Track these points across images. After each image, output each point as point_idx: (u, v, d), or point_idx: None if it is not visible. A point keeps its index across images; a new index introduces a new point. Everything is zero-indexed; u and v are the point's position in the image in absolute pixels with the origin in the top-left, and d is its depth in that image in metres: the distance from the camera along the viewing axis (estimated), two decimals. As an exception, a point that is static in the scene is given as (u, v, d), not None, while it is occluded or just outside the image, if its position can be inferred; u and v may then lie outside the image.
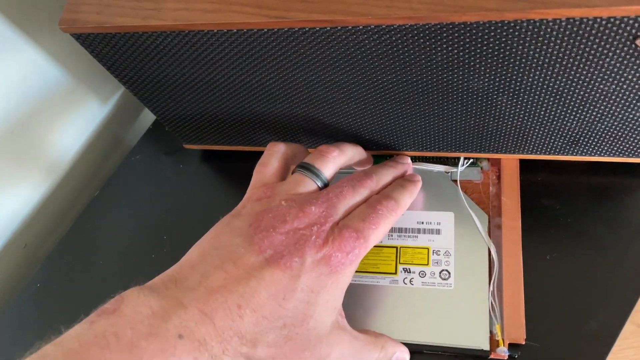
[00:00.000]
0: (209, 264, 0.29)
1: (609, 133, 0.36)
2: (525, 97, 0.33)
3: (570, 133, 0.36)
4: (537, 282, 0.38)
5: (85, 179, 0.58)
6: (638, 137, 0.35)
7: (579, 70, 0.29)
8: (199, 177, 0.51)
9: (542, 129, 0.36)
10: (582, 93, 0.32)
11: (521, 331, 0.36)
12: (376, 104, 0.37)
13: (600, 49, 0.27)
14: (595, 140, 0.37)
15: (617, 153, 0.38)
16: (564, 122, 0.35)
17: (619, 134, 0.35)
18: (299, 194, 0.32)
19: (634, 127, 0.34)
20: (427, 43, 0.29)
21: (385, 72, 0.33)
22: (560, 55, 0.28)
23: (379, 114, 0.38)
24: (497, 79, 0.31)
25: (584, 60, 0.29)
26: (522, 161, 0.42)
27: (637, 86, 0.30)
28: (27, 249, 0.55)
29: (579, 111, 0.33)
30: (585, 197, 0.40)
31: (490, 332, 0.36)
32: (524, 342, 0.35)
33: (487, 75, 0.31)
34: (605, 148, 0.37)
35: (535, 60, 0.29)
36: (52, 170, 0.54)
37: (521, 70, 0.30)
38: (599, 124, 0.35)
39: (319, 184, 0.34)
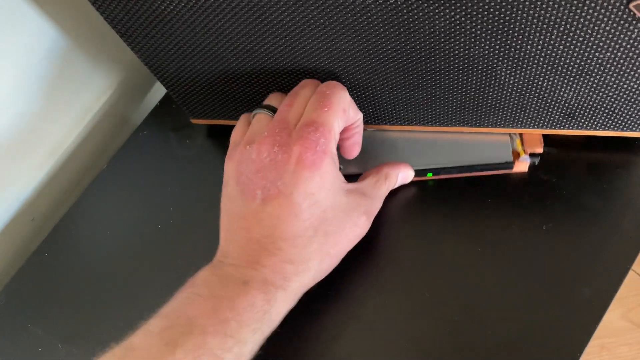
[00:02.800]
0: (233, 232, 0.35)
1: (604, 105, 0.37)
2: (524, 65, 0.34)
3: (566, 105, 0.37)
4: (533, 252, 0.39)
5: (92, 154, 0.59)
6: (632, 110, 0.37)
7: (575, 36, 0.31)
8: (206, 152, 0.52)
9: (539, 101, 0.37)
10: (577, 61, 0.33)
11: (539, 142, 0.42)
12: (380, 75, 0.38)
13: (595, 13, 0.29)
14: (591, 113, 0.38)
15: (612, 126, 0.39)
16: (561, 93, 0.36)
17: (614, 106, 0.37)
18: (255, 131, 0.36)
19: (629, 98, 0.35)
20: (432, 7, 0.31)
21: (389, 40, 0.34)
22: (557, 20, 0.30)
23: (382, 85, 0.39)
24: (498, 46, 0.33)
25: (579, 25, 0.30)
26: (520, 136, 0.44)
27: (630, 54, 0.31)
28: (34, 222, 0.56)
29: (575, 81, 0.35)
30: (582, 170, 0.42)
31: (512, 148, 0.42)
32: (542, 151, 0.42)
33: (488, 42, 0.32)
34: (601, 121, 0.39)
35: (533, 25, 0.30)
36: (60, 146, 0.55)
37: (520, 36, 0.32)
38: (595, 95, 0.36)
39: (271, 114, 0.37)
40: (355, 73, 0.38)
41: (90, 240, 0.50)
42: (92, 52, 0.55)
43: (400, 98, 0.40)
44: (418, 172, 0.43)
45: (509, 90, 0.37)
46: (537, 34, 0.31)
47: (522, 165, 0.42)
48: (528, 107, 0.38)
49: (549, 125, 0.40)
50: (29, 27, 0.47)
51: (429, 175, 0.44)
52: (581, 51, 0.32)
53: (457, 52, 0.34)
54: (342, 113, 0.35)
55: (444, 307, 0.38)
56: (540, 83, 0.35)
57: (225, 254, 0.34)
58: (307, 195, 0.33)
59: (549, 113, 0.39)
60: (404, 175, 0.42)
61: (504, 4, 0.29)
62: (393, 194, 0.43)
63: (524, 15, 0.30)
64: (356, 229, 0.36)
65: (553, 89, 0.36)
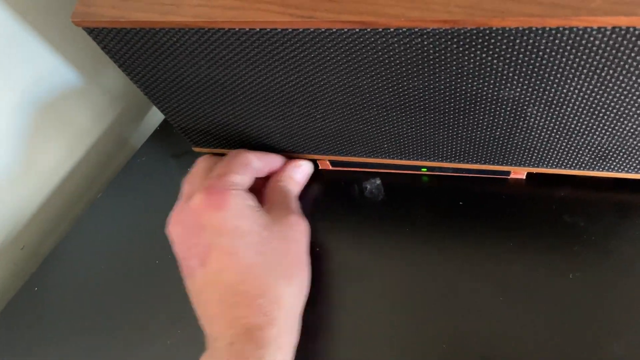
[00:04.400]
0: (205, 312, 0.36)
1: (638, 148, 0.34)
2: (558, 109, 0.31)
3: (599, 148, 0.35)
4: (559, 301, 0.36)
5: (88, 180, 0.57)
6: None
7: (619, 82, 0.28)
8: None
9: (570, 143, 0.35)
10: (618, 106, 0.30)
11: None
12: (398, 112, 0.35)
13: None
14: (625, 156, 0.35)
15: (646, 170, 0.37)
16: (595, 136, 0.34)
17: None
18: None
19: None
20: (461, 49, 0.28)
21: (412, 78, 0.31)
22: (601, 65, 0.27)
23: (400, 122, 0.36)
24: (531, 89, 0.30)
25: (625, 71, 0.27)
26: (544, 176, 0.41)
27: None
28: (25, 250, 0.53)
29: (613, 125, 0.32)
30: (611, 214, 0.39)
31: None
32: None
33: (521, 84, 0.30)
34: (634, 164, 0.36)
35: (573, 70, 0.28)
36: (55, 170, 0.53)
37: (557, 80, 0.29)
38: (631, 139, 0.33)
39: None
40: (371, 109, 0.35)
41: (83, 274, 0.47)
42: (89, 73, 0.52)
43: (417, 135, 0.37)
44: (412, 167, 0.43)
45: (538, 132, 0.34)
46: (577, 79, 0.28)
47: (519, 173, 0.41)
48: (556, 149, 0.36)
49: (577, 166, 0.38)
50: (24, 50, 0.45)
51: (424, 169, 0.42)
52: (622, 96, 0.29)
53: (484, 93, 0.31)
54: (242, 167, 0.39)
55: (462, 358, 0.36)
56: (572, 126, 0.33)
57: (214, 338, 0.33)
58: (233, 230, 0.34)
59: (579, 155, 0.36)
60: (298, 173, 0.44)
61: (542, 47, 0.27)
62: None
63: (564, 59, 0.27)
64: (297, 227, 0.38)
65: (586, 132, 0.33)
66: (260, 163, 0.41)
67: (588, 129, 0.33)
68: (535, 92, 0.30)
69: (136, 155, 0.52)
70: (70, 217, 0.56)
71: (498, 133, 0.35)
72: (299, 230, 0.38)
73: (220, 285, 0.34)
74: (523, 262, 0.38)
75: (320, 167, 0.47)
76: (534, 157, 0.37)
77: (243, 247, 0.34)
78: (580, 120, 0.32)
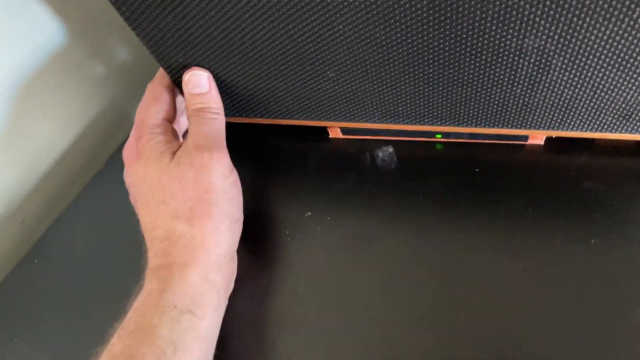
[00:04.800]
0: None
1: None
2: (584, 59, 0.30)
3: (624, 105, 0.33)
4: (580, 268, 0.35)
5: (89, 153, 0.55)
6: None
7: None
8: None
9: (594, 100, 0.34)
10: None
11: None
12: (416, 67, 0.34)
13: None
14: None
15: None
16: (621, 92, 0.32)
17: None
18: None
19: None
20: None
21: (434, 26, 0.30)
22: (633, 5, 0.26)
23: (417, 80, 0.35)
24: (557, 36, 0.29)
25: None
26: (562, 142, 0.40)
27: None
28: (24, 224, 0.52)
29: (641, 77, 0.31)
30: (632, 181, 0.38)
31: None
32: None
33: (547, 30, 0.28)
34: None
35: (603, 12, 0.27)
36: (54, 143, 0.51)
37: (586, 24, 0.28)
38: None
39: None
40: (388, 65, 0.34)
41: (84, 247, 0.45)
42: (90, 43, 0.51)
43: (435, 95, 0.36)
44: (426, 133, 0.41)
45: (561, 88, 0.33)
46: (608, 22, 0.27)
47: (537, 138, 0.40)
48: (579, 108, 0.35)
49: (600, 128, 0.36)
50: (28, 20, 0.44)
51: (438, 136, 0.41)
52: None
53: (507, 42, 0.30)
54: (150, 108, 0.39)
55: (481, 329, 0.34)
56: (599, 80, 0.32)
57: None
58: (140, 181, 0.36)
59: (602, 114, 0.35)
60: (191, 88, 0.40)
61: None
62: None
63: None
64: (195, 166, 0.36)
65: (613, 87, 0.32)
66: (170, 82, 0.41)
67: (615, 82, 0.32)
68: (561, 39, 0.29)
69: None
70: (72, 191, 0.54)
71: (519, 90, 0.34)
72: (196, 169, 0.35)
73: (144, 232, 0.36)
74: (541, 229, 0.37)
75: (330, 136, 0.45)
76: (554, 119, 0.36)
77: (150, 196, 0.36)
78: (608, 72, 0.31)
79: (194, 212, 0.34)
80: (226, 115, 0.45)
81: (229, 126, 0.47)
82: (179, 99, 0.42)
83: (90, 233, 0.46)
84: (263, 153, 0.47)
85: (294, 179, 0.44)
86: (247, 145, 0.47)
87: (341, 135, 0.45)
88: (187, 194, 0.35)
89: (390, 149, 0.43)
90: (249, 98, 0.41)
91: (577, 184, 0.38)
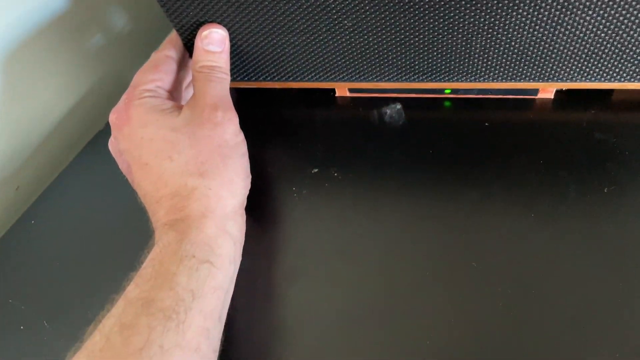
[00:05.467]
0: None
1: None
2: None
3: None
4: (593, 218, 0.35)
5: (87, 119, 0.54)
6: None
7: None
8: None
9: (613, 46, 0.33)
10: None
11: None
12: (436, 13, 0.33)
13: None
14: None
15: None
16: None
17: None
18: None
19: None
20: None
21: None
22: None
23: (437, 27, 0.35)
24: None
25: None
26: (572, 96, 0.40)
27: None
28: (19, 191, 0.50)
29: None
30: (643, 130, 0.38)
31: None
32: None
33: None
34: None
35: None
36: (50, 108, 0.50)
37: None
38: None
39: None
40: (408, 12, 0.34)
41: (81, 209, 0.44)
42: (89, 8, 0.50)
43: (452, 46, 0.36)
44: (435, 90, 0.41)
45: (583, 30, 0.33)
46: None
47: (547, 91, 0.40)
48: (596, 54, 0.34)
49: (621, 77, 0.36)
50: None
51: (447, 91, 0.40)
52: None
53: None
54: (153, 69, 0.38)
55: (494, 280, 0.34)
56: (621, 19, 0.31)
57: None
58: (139, 141, 0.35)
59: (623, 61, 0.35)
60: (209, 44, 0.38)
61: None
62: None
63: None
64: (208, 123, 0.35)
65: (635, 24, 0.32)
66: (176, 53, 0.40)
67: (632, 23, 0.31)
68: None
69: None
70: (69, 157, 0.53)
71: (541, 34, 0.33)
72: (209, 127, 0.35)
73: (144, 197, 0.35)
74: (553, 180, 0.37)
75: (337, 94, 0.45)
76: (574, 68, 0.36)
77: (152, 156, 0.34)
78: (629, 12, 0.31)
79: (206, 166, 0.34)
80: (236, 79, 0.44)
81: (240, 92, 0.47)
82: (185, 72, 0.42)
83: (90, 195, 0.45)
84: (269, 114, 0.46)
85: (300, 137, 0.43)
86: (254, 109, 0.46)
87: (348, 94, 0.44)
88: (197, 149, 0.34)
89: (399, 106, 0.43)
90: (261, 58, 0.41)
91: (588, 136, 0.38)
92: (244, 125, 0.45)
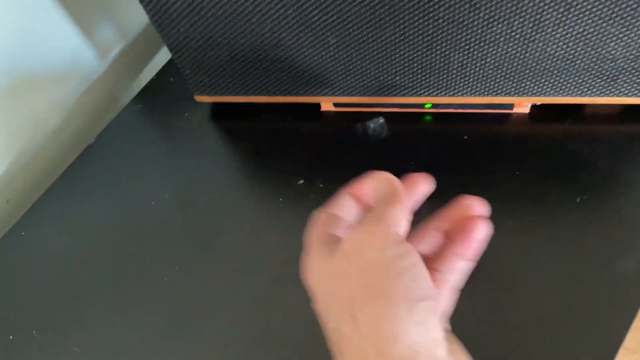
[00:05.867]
0: None
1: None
2: (577, 12, 0.32)
3: (612, 64, 0.35)
4: (568, 224, 0.36)
5: (76, 135, 0.55)
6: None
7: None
8: (208, 126, 0.48)
9: (584, 60, 0.35)
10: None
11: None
12: (419, 25, 0.35)
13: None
14: (636, 75, 0.36)
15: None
16: (609, 49, 0.34)
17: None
18: None
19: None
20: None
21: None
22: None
23: (417, 42, 0.36)
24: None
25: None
26: (547, 110, 0.42)
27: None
28: (10, 204, 0.51)
29: (629, 31, 0.33)
30: (615, 142, 0.40)
31: None
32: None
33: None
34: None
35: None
36: (41, 124, 0.51)
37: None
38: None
39: None
40: (390, 28, 0.35)
41: (72, 221, 0.45)
42: (84, 29, 0.51)
43: (434, 60, 0.38)
44: (417, 105, 0.42)
45: (553, 46, 0.34)
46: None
47: (523, 106, 0.41)
48: (569, 69, 0.36)
49: (591, 92, 0.38)
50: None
51: (428, 106, 0.42)
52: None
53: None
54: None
55: (476, 282, 0.35)
56: (590, 36, 0.33)
57: None
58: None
59: (592, 76, 0.36)
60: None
61: None
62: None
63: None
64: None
65: (602, 43, 0.34)
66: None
67: (604, 37, 0.33)
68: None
69: (131, 103, 0.51)
70: (59, 171, 0.54)
71: (513, 50, 0.35)
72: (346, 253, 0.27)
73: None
74: (530, 190, 0.38)
75: (322, 109, 0.46)
76: (544, 84, 0.38)
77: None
78: (597, 27, 0.32)
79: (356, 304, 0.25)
80: (224, 94, 0.45)
81: (228, 107, 0.48)
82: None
83: (79, 207, 0.45)
84: (257, 129, 0.47)
85: (287, 150, 0.45)
86: (242, 123, 0.48)
87: (333, 108, 0.46)
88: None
89: (382, 120, 0.44)
90: (249, 73, 0.42)
91: (562, 147, 0.40)
92: (234, 139, 0.47)
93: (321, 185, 0.42)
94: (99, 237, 0.43)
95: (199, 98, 0.47)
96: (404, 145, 0.43)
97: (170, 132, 0.48)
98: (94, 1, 0.51)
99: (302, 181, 0.42)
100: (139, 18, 0.58)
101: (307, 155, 0.44)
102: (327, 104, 0.46)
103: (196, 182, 0.44)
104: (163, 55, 0.61)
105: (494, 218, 0.37)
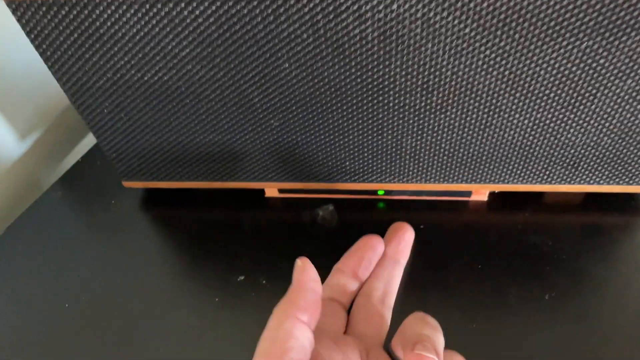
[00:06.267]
0: None
1: (612, 151, 0.33)
2: (534, 97, 0.30)
3: (572, 151, 0.33)
4: (537, 325, 0.33)
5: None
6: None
7: (597, 66, 0.27)
8: (137, 215, 0.43)
9: (543, 148, 0.33)
10: (594, 91, 0.29)
11: None
12: (366, 111, 0.32)
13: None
14: (596, 161, 0.34)
15: (616, 179, 0.35)
16: (569, 135, 0.32)
17: (622, 152, 0.33)
18: None
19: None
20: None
21: (385, 64, 0.29)
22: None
23: (367, 126, 0.34)
24: (508, 73, 0.29)
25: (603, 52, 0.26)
26: (505, 198, 0.39)
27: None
28: None
29: (589, 118, 0.31)
30: (578, 234, 0.37)
31: None
32: None
33: (498, 66, 0.28)
34: (605, 173, 0.35)
35: (553, 41, 0.27)
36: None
37: (536, 57, 0.28)
38: (605, 138, 0.32)
39: None
40: (337, 111, 0.33)
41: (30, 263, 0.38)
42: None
43: (385, 144, 0.35)
44: (368, 192, 0.39)
45: (510, 132, 0.32)
46: (555, 54, 0.27)
47: (480, 193, 0.39)
48: (527, 157, 0.34)
49: (551, 180, 0.36)
50: None
51: (381, 192, 0.39)
52: (597, 82, 0.28)
53: (459, 80, 0.29)
54: None
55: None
56: (548, 122, 0.31)
57: None
58: None
59: (552, 164, 0.34)
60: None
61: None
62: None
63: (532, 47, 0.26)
64: None
65: (562, 130, 0.32)
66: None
67: (563, 124, 0.31)
68: (512, 75, 0.29)
69: (50, 189, 0.45)
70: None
71: (469, 136, 0.33)
72: None
73: None
74: (493, 286, 0.35)
75: (267, 195, 0.42)
76: (501, 171, 0.36)
77: None
78: (556, 113, 0.31)
79: None
80: (158, 179, 0.41)
81: (160, 193, 0.44)
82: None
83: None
84: (193, 219, 0.43)
85: (226, 242, 0.40)
86: (178, 210, 0.43)
87: (278, 194, 0.42)
88: None
89: (331, 207, 0.41)
90: (184, 157, 0.38)
91: (523, 239, 0.37)
92: (167, 229, 0.42)
93: (264, 282, 0.37)
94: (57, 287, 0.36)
95: (127, 184, 0.42)
96: (356, 235, 0.39)
97: (94, 222, 0.43)
98: (12, 80, 0.47)
99: (242, 277, 0.37)
100: (65, 98, 0.53)
101: (249, 248, 0.39)
102: (271, 190, 0.42)
103: (120, 281, 0.38)
104: (92, 137, 0.57)
105: (456, 318, 0.34)
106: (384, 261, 0.30)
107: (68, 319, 0.37)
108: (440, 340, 0.24)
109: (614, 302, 0.34)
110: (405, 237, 0.31)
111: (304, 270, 0.25)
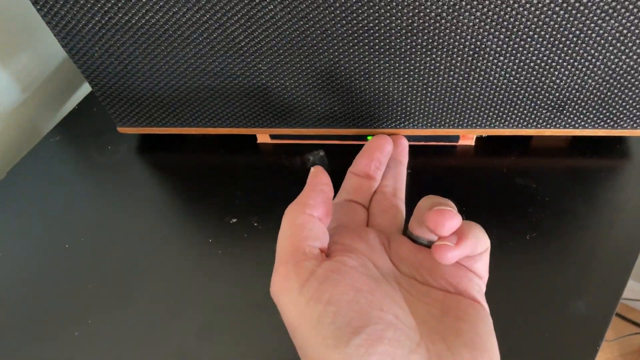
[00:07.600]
0: None
1: (597, 94, 0.33)
2: (518, 39, 0.30)
3: (558, 94, 0.34)
4: (516, 264, 0.34)
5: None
6: (625, 101, 0.33)
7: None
8: (132, 160, 0.44)
9: (529, 89, 0.33)
10: (577, 32, 0.29)
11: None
12: (354, 55, 0.33)
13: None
14: (582, 105, 0.34)
15: (601, 123, 0.36)
16: (554, 78, 0.32)
17: (607, 95, 0.33)
18: None
19: (625, 83, 0.32)
20: None
21: (372, 6, 0.29)
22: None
23: (355, 71, 0.34)
24: (491, 14, 0.29)
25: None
26: (492, 142, 0.40)
27: (633, 26, 0.28)
28: None
29: (572, 59, 0.31)
30: (562, 176, 0.38)
31: None
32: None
33: (482, 7, 0.28)
34: (591, 117, 0.35)
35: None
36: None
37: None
38: (590, 80, 0.32)
39: None
40: (325, 54, 0.33)
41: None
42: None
43: (373, 90, 0.35)
44: (358, 137, 0.40)
45: (495, 75, 0.33)
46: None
47: (468, 138, 0.40)
48: (514, 99, 0.34)
49: (537, 124, 0.36)
50: None
51: (369, 138, 0.39)
52: (580, 23, 0.28)
53: (443, 22, 0.29)
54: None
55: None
56: (532, 65, 0.32)
57: None
58: None
59: (538, 107, 0.35)
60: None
61: None
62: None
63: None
64: None
65: (547, 71, 0.32)
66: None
67: (548, 65, 0.32)
68: (495, 16, 0.29)
69: (48, 135, 0.46)
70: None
71: (454, 80, 0.33)
72: None
73: None
74: (476, 227, 0.36)
75: (258, 141, 0.43)
76: (487, 114, 0.36)
77: None
78: (540, 54, 0.31)
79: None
80: (152, 125, 0.42)
81: (155, 139, 0.44)
82: None
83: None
84: (186, 163, 0.43)
85: (219, 186, 0.41)
86: (169, 157, 0.44)
87: (270, 140, 0.43)
88: None
89: (322, 153, 0.41)
90: (176, 102, 0.39)
91: (509, 181, 0.38)
92: (161, 174, 0.43)
93: (255, 224, 0.38)
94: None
95: (122, 130, 0.43)
96: (345, 180, 0.40)
97: (91, 166, 0.44)
98: (11, 29, 0.47)
99: (234, 220, 0.39)
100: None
101: (241, 191, 0.40)
102: (263, 136, 0.42)
103: (117, 222, 0.40)
104: (88, 86, 0.57)
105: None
106: (388, 163, 0.33)
107: (68, 258, 0.38)
108: (453, 205, 0.26)
109: (594, 240, 0.35)
110: (401, 142, 0.34)
111: (316, 175, 0.28)
